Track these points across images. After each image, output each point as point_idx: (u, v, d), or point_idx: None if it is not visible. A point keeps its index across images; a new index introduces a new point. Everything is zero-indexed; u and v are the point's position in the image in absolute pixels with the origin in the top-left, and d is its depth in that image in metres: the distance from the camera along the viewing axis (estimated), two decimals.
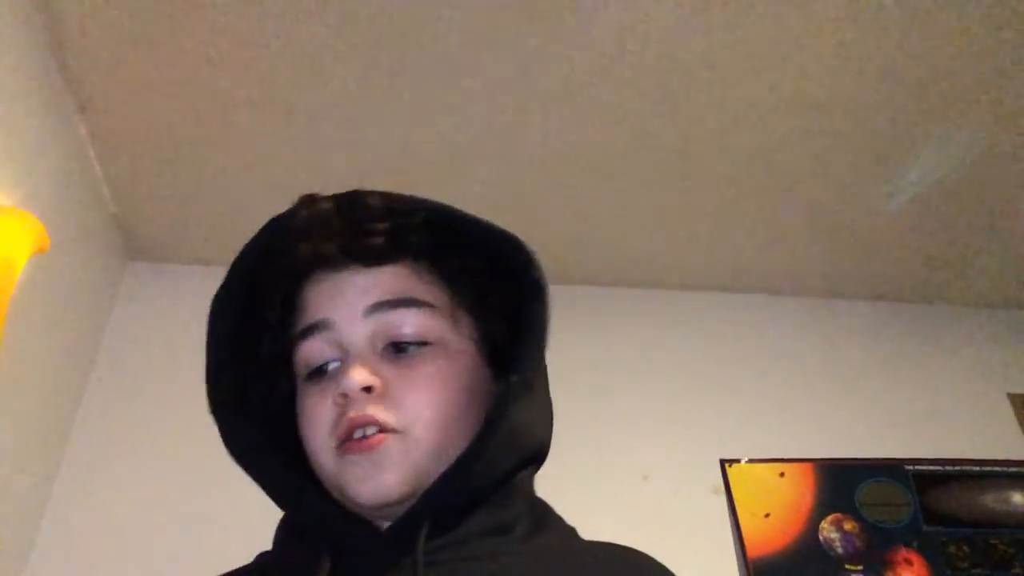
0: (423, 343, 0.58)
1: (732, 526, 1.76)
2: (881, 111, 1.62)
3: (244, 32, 1.39)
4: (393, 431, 0.56)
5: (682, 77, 1.52)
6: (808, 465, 1.86)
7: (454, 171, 1.71)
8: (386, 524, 0.57)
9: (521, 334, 0.59)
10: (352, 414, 0.56)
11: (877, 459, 1.88)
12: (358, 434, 0.55)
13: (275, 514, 1.85)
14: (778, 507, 1.79)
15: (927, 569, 1.75)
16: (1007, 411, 2.08)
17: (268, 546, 1.81)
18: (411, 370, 0.57)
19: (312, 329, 0.60)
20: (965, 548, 1.78)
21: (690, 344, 2.05)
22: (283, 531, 0.64)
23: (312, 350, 0.60)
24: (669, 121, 1.62)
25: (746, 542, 1.73)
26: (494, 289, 0.62)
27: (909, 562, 1.75)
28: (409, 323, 0.58)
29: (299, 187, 1.95)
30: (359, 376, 0.56)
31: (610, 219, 1.87)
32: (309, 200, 0.63)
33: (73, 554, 1.54)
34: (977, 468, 1.91)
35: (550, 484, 0.65)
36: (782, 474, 1.84)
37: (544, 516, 0.62)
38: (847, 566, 1.73)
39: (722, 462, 1.84)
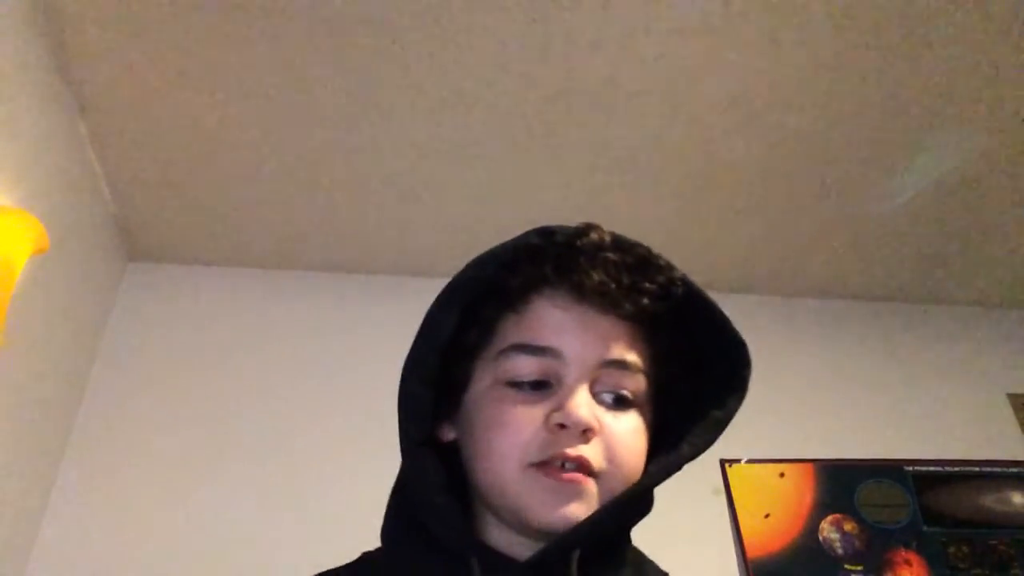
0: (633, 402, 0.62)
1: (732, 526, 1.76)
2: (881, 111, 1.62)
3: (244, 33, 1.39)
4: (594, 476, 0.58)
5: (682, 77, 1.52)
6: (808, 465, 1.86)
7: (453, 170, 1.71)
8: (517, 544, 0.60)
9: (703, 418, 0.63)
10: (569, 450, 0.57)
11: (877, 459, 1.88)
12: (557, 463, 0.57)
13: (272, 514, 1.83)
14: (778, 507, 1.79)
15: (927, 569, 1.75)
16: (1007, 411, 2.08)
17: (267, 547, 1.80)
18: (622, 425, 0.60)
19: (541, 351, 0.60)
20: (965, 548, 1.78)
21: None
22: (405, 536, 0.64)
23: (529, 366, 0.60)
24: (668, 122, 1.62)
25: (746, 542, 1.73)
26: (685, 376, 0.66)
27: (909, 562, 1.75)
28: (630, 384, 0.61)
29: (299, 187, 1.96)
30: (586, 415, 0.57)
31: (609, 220, 1.87)
32: (596, 227, 0.64)
33: (73, 554, 1.54)
34: (977, 468, 1.91)
35: None
36: (782, 474, 1.84)
37: (642, 561, 0.67)
38: (847, 566, 1.73)
39: (722, 462, 1.84)
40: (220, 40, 1.41)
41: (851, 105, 1.60)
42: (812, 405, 2.00)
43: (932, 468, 1.89)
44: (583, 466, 0.57)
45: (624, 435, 0.60)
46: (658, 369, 0.64)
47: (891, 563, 1.75)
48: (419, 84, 1.51)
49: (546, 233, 0.62)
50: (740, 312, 2.38)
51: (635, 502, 0.61)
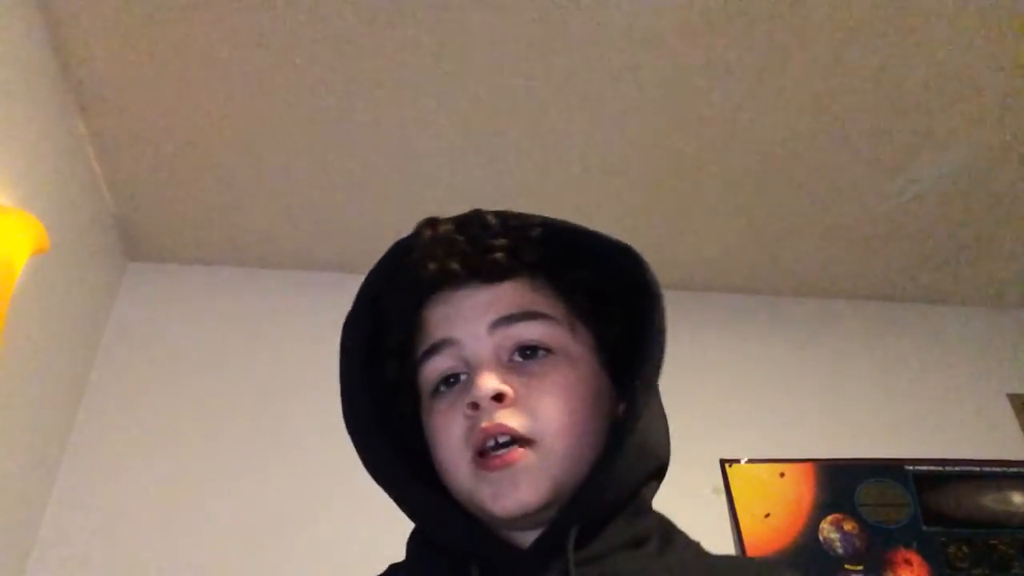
0: (547, 351, 0.60)
1: (732, 526, 1.76)
2: (882, 112, 1.62)
3: (244, 32, 1.39)
4: (527, 441, 0.56)
5: (684, 77, 1.52)
6: (808, 465, 1.86)
7: (453, 171, 1.71)
8: (523, 536, 0.58)
9: (640, 340, 0.59)
10: (484, 424, 0.56)
11: (877, 459, 1.89)
12: (490, 443, 0.56)
13: (271, 513, 1.83)
14: (778, 507, 1.79)
15: (927, 569, 1.75)
16: (1007, 411, 2.08)
17: (265, 546, 1.80)
18: (538, 378, 0.58)
19: (437, 347, 0.61)
20: (965, 548, 1.78)
21: (690, 344, 2.05)
22: (419, 546, 0.64)
23: (438, 366, 0.61)
24: (670, 122, 1.62)
25: (746, 542, 1.73)
26: (608, 298, 0.63)
27: (909, 562, 1.75)
28: (532, 332, 0.60)
29: (299, 187, 1.95)
30: (489, 383, 0.56)
31: (610, 219, 1.87)
32: (430, 222, 0.63)
33: (73, 554, 1.54)
34: (977, 468, 1.91)
35: None
36: (782, 474, 1.84)
37: (670, 531, 0.63)
38: (847, 566, 1.73)
39: (722, 462, 1.84)
40: (220, 40, 1.41)
41: (852, 106, 1.60)
42: (812, 405, 2.00)
43: (932, 468, 1.89)
44: (512, 436, 0.56)
45: (545, 386, 0.58)
46: (577, 309, 0.63)
47: (891, 563, 1.75)
48: (419, 85, 1.51)
49: (394, 249, 0.64)
50: (740, 312, 2.38)
51: (623, 463, 0.56)
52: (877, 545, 1.76)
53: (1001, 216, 1.94)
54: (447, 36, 1.42)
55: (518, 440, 0.56)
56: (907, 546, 1.77)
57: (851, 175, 1.79)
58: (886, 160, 1.75)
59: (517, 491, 0.55)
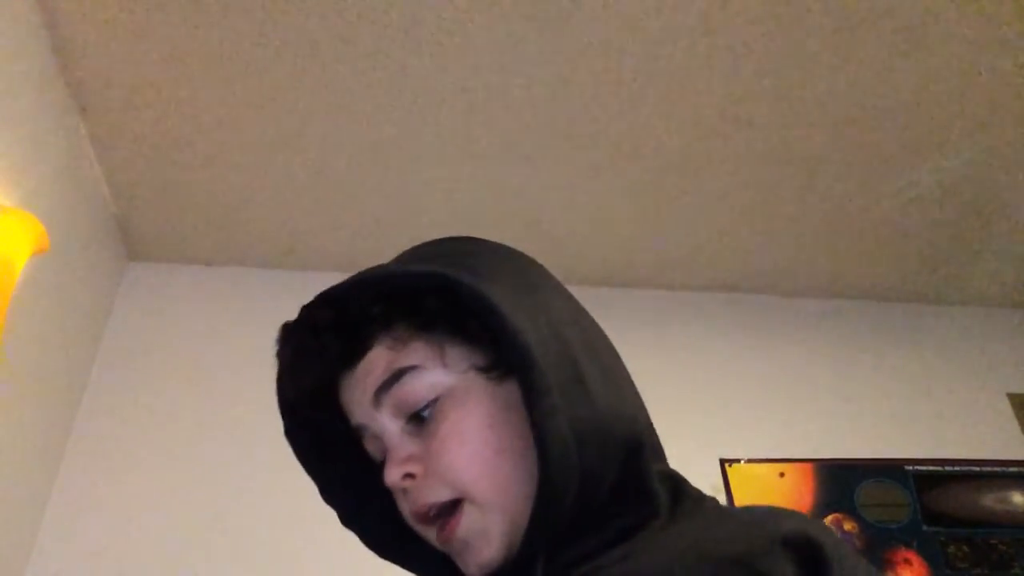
0: (433, 401, 0.59)
1: None
2: (884, 113, 1.62)
3: (244, 32, 1.39)
4: (457, 502, 0.57)
5: (681, 77, 1.52)
6: (808, 465, 1.86)
7: (452, 170, 1.71)
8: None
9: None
10: (411, 508, 0.58)
11: (877, 459, 1.89)
12: (431, 514, 0.58)
13: (273, 513, 1.82)
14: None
15: (927, 569, 1.75)
16: (1007, 411, 2.08)
17: (270, 548, 1.80)
18: (433, 437, 0.58)
19: (359, 435, 0.64)
20: (965, 548, 1.78)
21: (690, 344, 2.05)
22: None
23: (372, 450, 0.64)
24: (669, 122, 1.62)
25: None
26: (459, 316, 0.60)
27: (909, 562, 1.75)
28: (408, 391, 0.59)
29: (299, 187, 1.95)
30: (393, 473, 0.58)
31: (611, 219, 1.87)
32: (285, 336, 0.67)
33: (72, 554, 1.54)
34: (977, 468, 1.91)
35: None
36: (782, 474, 1.84)
37: (675, 502, 0.57)
38: None
39: (722, 462, 1.84)
40: (220, 40, 1.41)
41: (852, 105, 1.60)
42: (812, 405, 2.00)
43: (932, 468, 1.89)
44: (438, 506, 0.57)
45: (440, 444, 0.57)
46: (439, 341, 0.60)
47: (891, 563, 1.75)
48: (419, 84, 1.51)
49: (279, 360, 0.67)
50: (740, 312, 2.38)
51: (561, 463, 0.51)
52: (877, 545, 1.76)
53: (1001, 216, 1.94)
54: (447, 36, 1.42)
55: (446, 506, 0.57)
56: (907, 546, 1.77)
57: (851, 175, 1.79)
58: (886, 160, 1.75)
59: (477, 555, 0.56)
